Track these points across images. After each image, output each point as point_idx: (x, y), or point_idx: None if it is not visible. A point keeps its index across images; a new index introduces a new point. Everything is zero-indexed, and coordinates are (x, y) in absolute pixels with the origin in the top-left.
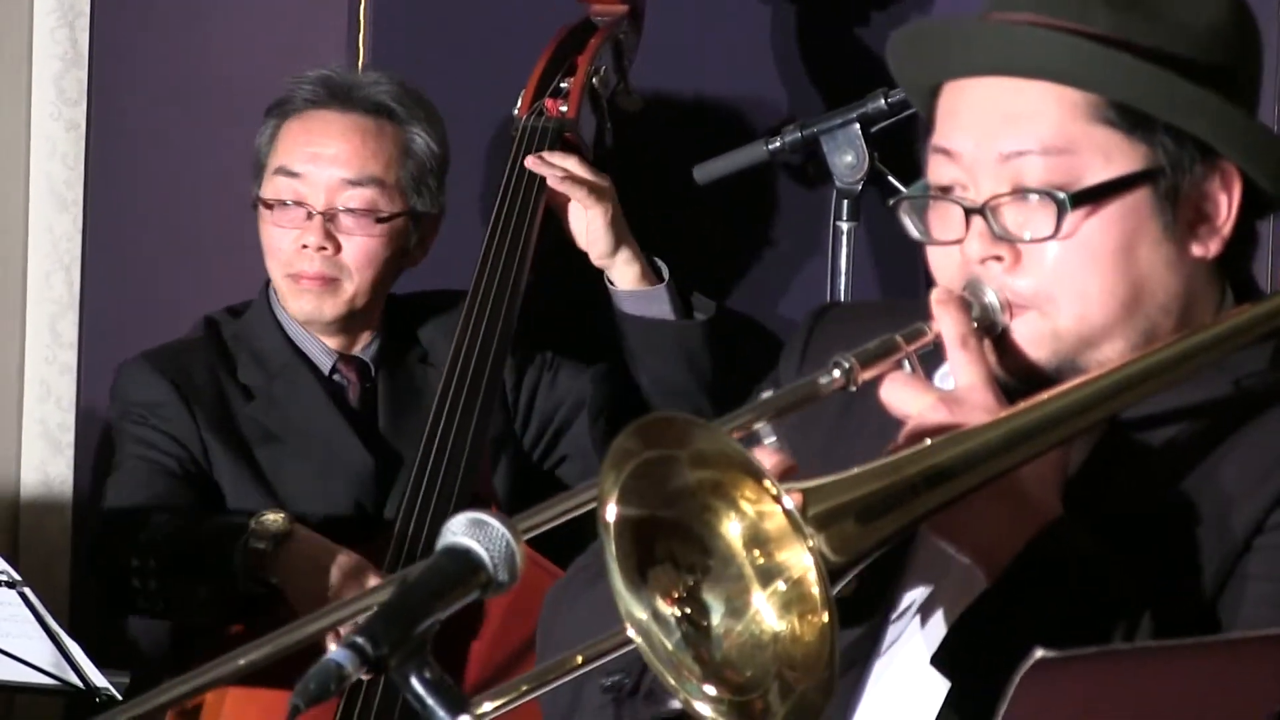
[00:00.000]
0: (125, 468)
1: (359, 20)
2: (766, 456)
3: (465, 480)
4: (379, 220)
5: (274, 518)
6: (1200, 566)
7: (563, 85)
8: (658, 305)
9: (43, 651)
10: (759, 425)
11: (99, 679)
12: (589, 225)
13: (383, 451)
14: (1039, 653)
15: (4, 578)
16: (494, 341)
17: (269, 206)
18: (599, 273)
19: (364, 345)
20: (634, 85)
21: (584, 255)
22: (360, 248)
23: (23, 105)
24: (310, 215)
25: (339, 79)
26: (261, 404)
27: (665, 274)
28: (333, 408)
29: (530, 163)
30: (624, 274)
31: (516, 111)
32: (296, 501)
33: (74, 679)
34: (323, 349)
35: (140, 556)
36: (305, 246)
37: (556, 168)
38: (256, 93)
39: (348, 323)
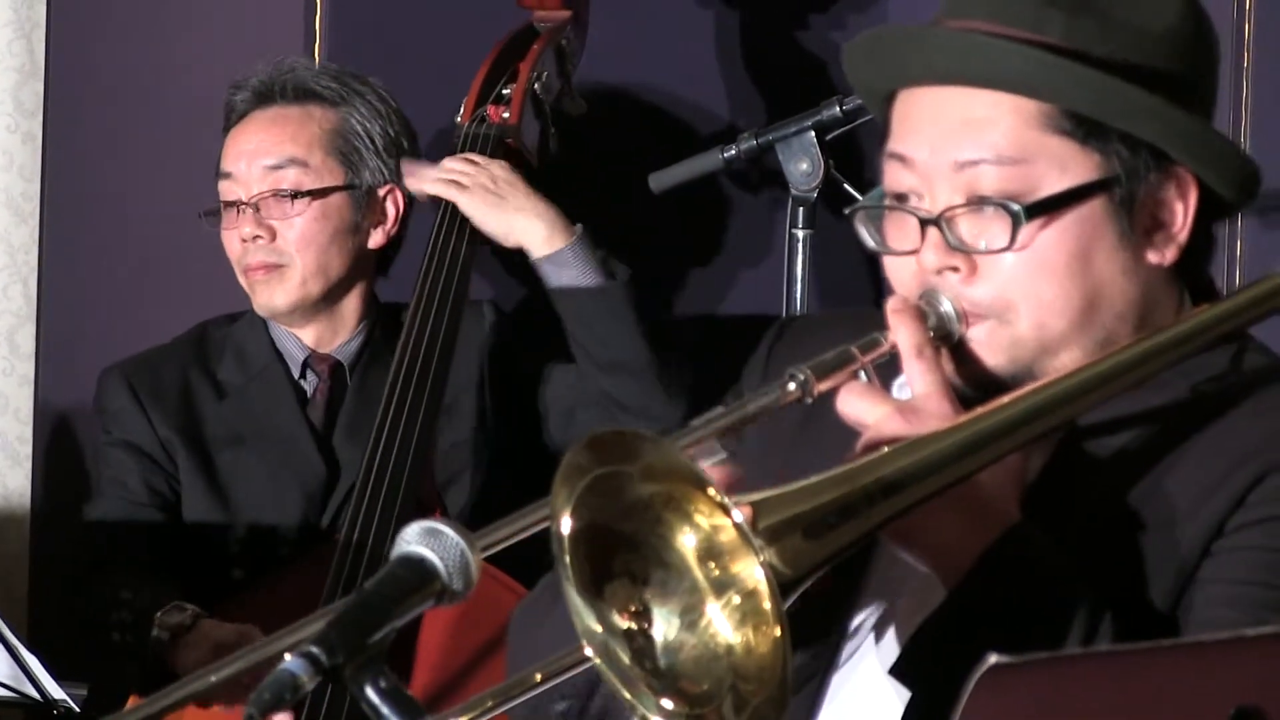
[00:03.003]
0: (104, 495)
1: (315, 33)
2: (712, 473)
3: (409, 487)
4: (297, 196)
5: (179, 612)
6: (1160, 570)
7: (505, 91)
8: (570, 270)
9: None
10: (709, 442)
11: (57, 691)
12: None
13: (332, 458)
14: (992, 658)
15: None
16: (436, 348)
17: (215, 214)
18: None
19: (342, 342)
20: (590, 89)
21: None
22: (294, 229)
23: None
24: (240, 210)
25: (265, 80)
26: (232, 403)
27: (578, 233)
28: (296, 410)
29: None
30: (530, 241)
31: (459, 118)
32: (248, 505)
33: (32, 692)
34: (298, 345)
35: (117, 610)
36: (244, 240)
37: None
38: (214, 103)
39: (313, 311)
